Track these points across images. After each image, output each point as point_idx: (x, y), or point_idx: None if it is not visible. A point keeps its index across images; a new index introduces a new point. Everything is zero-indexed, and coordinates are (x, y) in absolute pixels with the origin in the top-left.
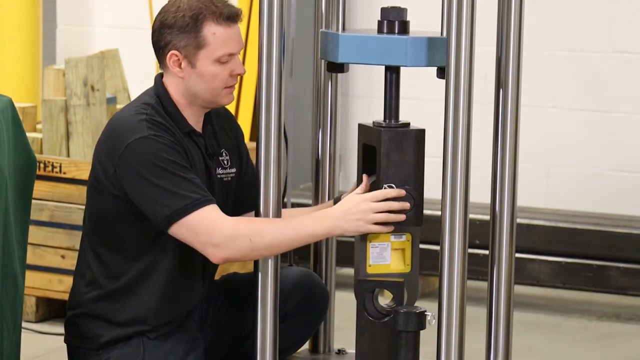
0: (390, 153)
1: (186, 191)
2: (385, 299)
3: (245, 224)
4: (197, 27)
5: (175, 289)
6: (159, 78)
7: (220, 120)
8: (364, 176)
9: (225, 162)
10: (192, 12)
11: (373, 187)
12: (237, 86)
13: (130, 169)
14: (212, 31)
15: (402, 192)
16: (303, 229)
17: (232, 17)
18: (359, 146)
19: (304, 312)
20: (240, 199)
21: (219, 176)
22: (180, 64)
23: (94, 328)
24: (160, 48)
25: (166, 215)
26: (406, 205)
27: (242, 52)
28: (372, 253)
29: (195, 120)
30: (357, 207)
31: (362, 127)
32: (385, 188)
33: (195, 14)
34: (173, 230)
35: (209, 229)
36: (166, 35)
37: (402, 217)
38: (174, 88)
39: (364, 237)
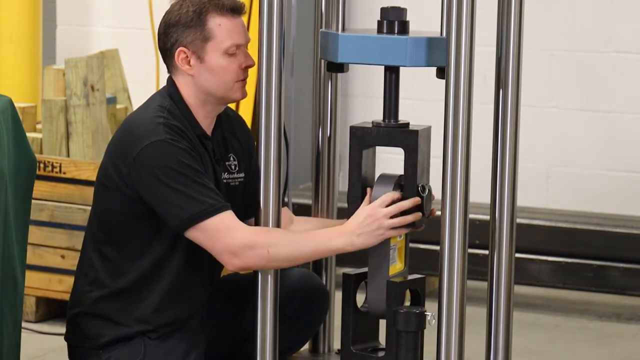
0: (422, 152)
1: (203, 196)
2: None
3: (264, 234)
4: (202, 20)
5: (180, 292)
6: (171, 79)
7: (231, 125)
8: (368, 189)
9: (233, 167)
10: (195, 7)
11: (405, 187)
12: None
13: (146, 171)
14: (217, 22)
15: (418, 200)
16: (322, 245)
17: (235, 9)
18: (357, 150)
19: (304, 313)
20: (247, 205)
21: (224, 181)
22: (189, 61)
23: (95, 328)
24: (167, 50)
25: (183, 218)
26: (417, 200)
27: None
28: (391, 255)
29: (207, 123)
30: (372, 217)
31: (371, 130)
32: (419, 187)
33: (199, 8)
34: (189, 233)
35: (227, 237)
36: (172, 35)
37: (417, 215)
38: (186, 89)
39: (386, 240)
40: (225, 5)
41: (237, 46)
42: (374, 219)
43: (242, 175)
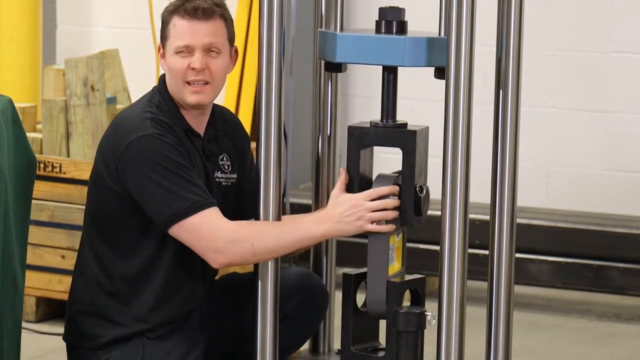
0: (420, 153)
1: (188, 192)
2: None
3: (247, 228)
4: (167, 20)
5: (175, 289)
6: (163, 75)
7: (226, 126)
8: (342, 169)
9: (226, 166)
10: (171, 7)
11: (403, 188)
12: (236, 86)
13: (132, 165)
14: (174, 23)
15: (396, 189)
16: (303, 233)
17: (194, 12)
18: (355, 149)
19: (303, 312)
20: (239, 206)
21: (217, 180)
22: (162, 56)
23: (93, 328)
24: None
25: (167, 215)
26: (396, 203)
27: (240, 51)
28: (390, 254)
29: (192, 120)
30: (355, 208)
31: (369, 130)
32: (417, 187)
33: (172, 8)
34: (173, 231)
35: (210, 233)
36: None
37: (396, 213)
38: (169, 84)
39: (386, 240)
40: (188, 9)
41: (186, 47)
42: (357, 209)
43: (235, 176)
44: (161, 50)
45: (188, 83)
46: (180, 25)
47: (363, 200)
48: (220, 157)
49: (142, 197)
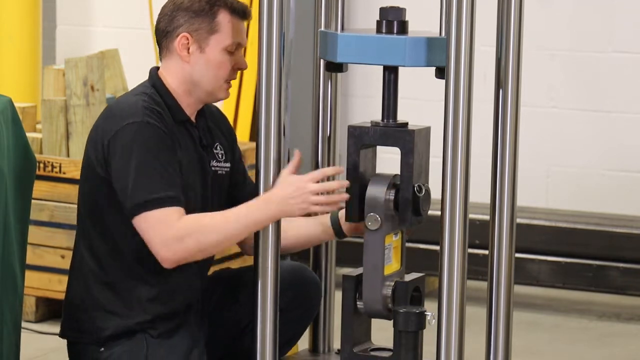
0: (419, 153)
1: (160, 185)
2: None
3: (190, 223)
4: (213, 12)
5: (170, 278)
6: (155, 71)
7: (214, 119)
8: (296, 151)
9: (220, 155)
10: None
11: (401, 187)
12: (237, 86)
13: (118, 150)
14: (227, 19)
15: (341, 169)
16: (248, 220)
17: (244, 12)
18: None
19: (297, 307)
20: (234, 196)
21: (213, 168)
22: (189, 48)
23: (93, 321)
24: (168, 32)
25: (131, 205)
26: (344, 183)
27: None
28: (386, 254)
29: (190, 111)
30: (299, 191)
31: (369, 129)
32: (416, 187)
33: (212, 1)
34: (135, 222)
35: (161, 230)
36: (179, 18)
37: (344, 196)
38: (173, 76)
39: (381, 239)
40: (236, 7)
41: (238, 45)
42: (301, 192)
43: (228, 165)
44: (189, 41)
45: (226, 81)
46: (234, 23)
47: (307, 182)
48: (215, 146)
49: (117, 182)
